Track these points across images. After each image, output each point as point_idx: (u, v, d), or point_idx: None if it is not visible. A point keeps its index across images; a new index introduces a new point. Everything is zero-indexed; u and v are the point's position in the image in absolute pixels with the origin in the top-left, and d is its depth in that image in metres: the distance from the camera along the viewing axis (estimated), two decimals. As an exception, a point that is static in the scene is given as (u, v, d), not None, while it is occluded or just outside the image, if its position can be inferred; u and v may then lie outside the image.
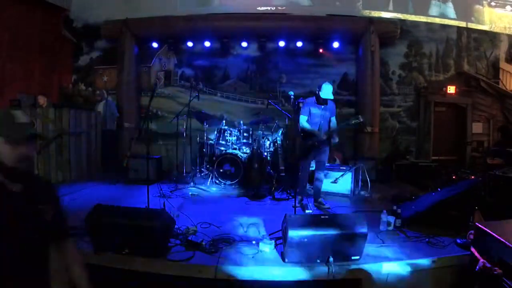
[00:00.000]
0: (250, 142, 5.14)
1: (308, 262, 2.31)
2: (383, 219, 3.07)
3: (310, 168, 4.22)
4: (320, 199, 4.01)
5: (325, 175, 4.31)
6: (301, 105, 5.77)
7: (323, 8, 6.77)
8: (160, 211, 2.52)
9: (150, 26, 6.69)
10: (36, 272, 1.22)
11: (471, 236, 2.43)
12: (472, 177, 4.22)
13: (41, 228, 1.22)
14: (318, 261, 2.30)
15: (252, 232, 2.92)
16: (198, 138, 5.57)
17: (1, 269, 1.10)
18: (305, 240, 2.28)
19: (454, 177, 4.93)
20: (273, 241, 2.63)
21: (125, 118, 6.61)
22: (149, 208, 3.19)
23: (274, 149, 5.33)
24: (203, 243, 2.58)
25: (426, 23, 7.03)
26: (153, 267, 2.36)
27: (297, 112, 5.23)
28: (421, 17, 7.03)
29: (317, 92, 3.92)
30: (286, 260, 2.35)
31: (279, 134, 5.50)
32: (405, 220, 3.13)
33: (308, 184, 4.30)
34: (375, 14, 6.94)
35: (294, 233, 2.26)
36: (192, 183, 4.92)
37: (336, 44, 6.66)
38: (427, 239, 2.77)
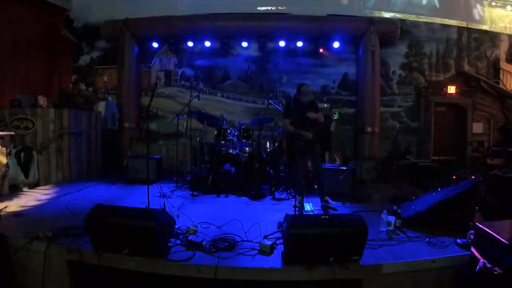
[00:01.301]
0: (250, 142, 5.13)
1: (308, 262, 2.31)
2: (383, 219, 3.06)
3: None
4: (326, 198, 3.95)
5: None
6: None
7: (323, 8, 6.76)
8: (160, 211, 2.52)
9: (150, 26, 6.70)
10: None
11: (471, 236, 2.43)
12: (472, 177, 4.22)
13: None
14: (318, 261, 2.30)
15: (252, 232, 2.91)
16: (198, 138, 5.58)
17: None
18: (305, 240, 2.28)
19: (454, 177, 4.94)
20: (273, 241, 2.64)
21: (125, 118, 6.62)
22: (149, 208, 3.19)
23: (274, 149, 5.33)
24: (203, 243, 2.58)
25: (426, 23, 7.03)
26: (153, 267, 2.36)
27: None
28: (421, 17, 7.04)
29: (297, 94, 3.93)
30: (286, 260, 2.34)
31: (279, 134, 5.50)
32: (405, 220, 3.13)
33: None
34: (376, 14, 6.94)
35: (294, 233, 2.26)
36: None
37: (336, 44, 6.67)
38: (427, 239, 2.77)
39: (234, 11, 6.75)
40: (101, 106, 6.20)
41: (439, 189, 3.51)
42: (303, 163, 4.10)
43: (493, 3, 7.33)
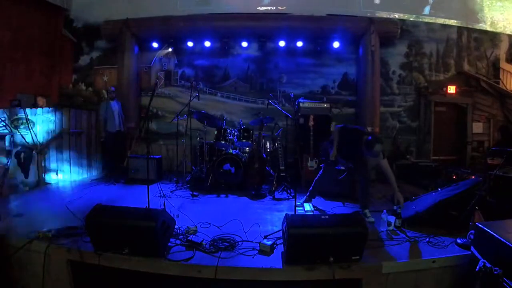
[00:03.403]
0: (250, 142, 5.14)
1: (308, 262, 2.31)
2: (383, 219, 3.07)
3: None
4: (366, 211, 3.66)
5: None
6: (301, 105, 5.81)
7: (323, 8, 6.75)
8: (160, 211, 2.52)
9: (150, 26, 6.68)
10: None
11: (471, 236, 2.43)
12: (473, 177, 4.22)
13: None
14: (318, 261, 2.30)
15: (252, 232, 2.91)
16: (198, 138, 5.58)
17: None
18: (305, 240, 2.28)
19: (454, 177, 4.94)
20: (273, 241, 2.64)
21: (125, 118, 6.59)
22: (149, 208, 3.20)
23: (274, 149, 5.33)
24: (203, 243, 2.58)
25: (426, 23, 7.02)
26: (153, 267, 2.36)
27: (297, 112, 5.21)
28: (423, 17, 7.02)
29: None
30: (286, 260, 2.35)
31: (279, 134, 5.50)
32: (405, 220, 3.13)
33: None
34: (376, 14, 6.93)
35: (294, 233, 2.26)
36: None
37: (336, 44, 6.66)
38: (427, 239, 2.78)
39: (234, 11, 6.74)
40: (115, 105, 5.77)
41: (439, 189, 3.51)
42: (330, 172, 4.04)
43: (493, 3, 7.33)
